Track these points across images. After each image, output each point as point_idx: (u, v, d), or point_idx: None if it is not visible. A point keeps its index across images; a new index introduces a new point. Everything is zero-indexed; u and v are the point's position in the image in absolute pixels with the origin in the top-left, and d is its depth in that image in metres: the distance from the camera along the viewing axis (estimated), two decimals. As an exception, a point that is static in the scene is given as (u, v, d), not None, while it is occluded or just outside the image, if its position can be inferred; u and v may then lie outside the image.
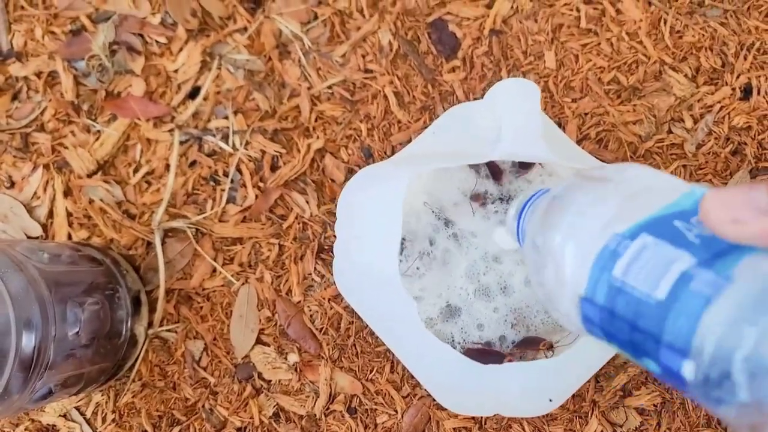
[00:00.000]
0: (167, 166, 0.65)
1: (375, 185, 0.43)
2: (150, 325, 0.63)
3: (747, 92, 0.62)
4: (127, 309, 0.61)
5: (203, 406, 0.63)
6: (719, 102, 0.62)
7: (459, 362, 0.39)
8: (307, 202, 0.64)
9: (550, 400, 0.40)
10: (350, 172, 0.64)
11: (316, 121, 0.65)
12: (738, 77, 0.62)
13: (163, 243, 0.64)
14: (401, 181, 0.40)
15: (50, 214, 0.66)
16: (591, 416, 0.60)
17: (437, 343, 0.39)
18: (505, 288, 0.53)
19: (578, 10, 0.64)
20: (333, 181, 0.64)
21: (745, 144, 0.62)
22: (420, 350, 0.40)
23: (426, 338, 0.39)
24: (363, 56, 0.66)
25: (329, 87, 0.66)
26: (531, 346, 0.51)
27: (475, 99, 0.64)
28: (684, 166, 0.62)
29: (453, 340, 0.50)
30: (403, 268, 0.54)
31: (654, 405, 0.60)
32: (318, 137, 0.65)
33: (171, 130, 0.66)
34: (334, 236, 0.64)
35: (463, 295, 0.52)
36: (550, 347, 0.49)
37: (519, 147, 0.40)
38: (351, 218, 0.43)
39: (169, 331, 0.64)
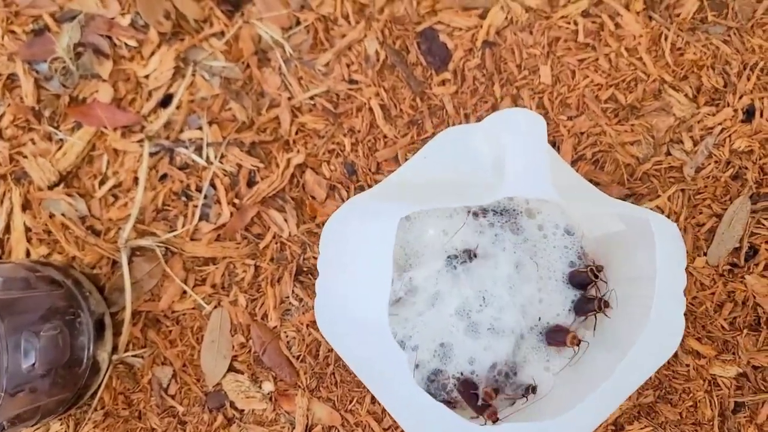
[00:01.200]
0: (136, 180, 0.61)
1: (363, 221, 0.39)
2: (114, 350, 0.59)
3: (749, 114, 0.60)
4: (90, 334, 0.56)
5: (171, 438, 0.59)
6: (720, 124, 0.60)
7: (453, 421, 0.36)
8: (286, 220, 0.60)
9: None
10: (332, 189, 0.61)
11: (296, 133, 0.61)
12: (740, 98, 0.60)
13: (130, 262, 0.60)
14: (392, 220, 0.36)
15: (7, 229, 0.61)
16: (581, 452, 0.57)
17: (429, 400, 0.36)
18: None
19: (576, 24, 0.61)
20: (314, 198, 0.61)
21: (746, 168, 0.59)
22: (410, 406, 0.36)
23: (417, 394, 0.36)
24: (348, 66, 0.62)
25: (311, 98, 0.62)
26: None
27: (465, 114, 0.61)
28: (682, 190, 0.59)
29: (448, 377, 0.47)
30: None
31: (647, 441, 0.58)
32: (298, 151, 0.61)
33: (140, 141, 0.61)
34: (314, 257, 0.60)
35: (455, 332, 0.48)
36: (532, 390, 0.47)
37: (524, 187, 0.37)
38: (335, 255, 0.40)
39: (135, 356, 0.60)
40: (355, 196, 0.42)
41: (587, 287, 0.51)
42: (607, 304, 0.47)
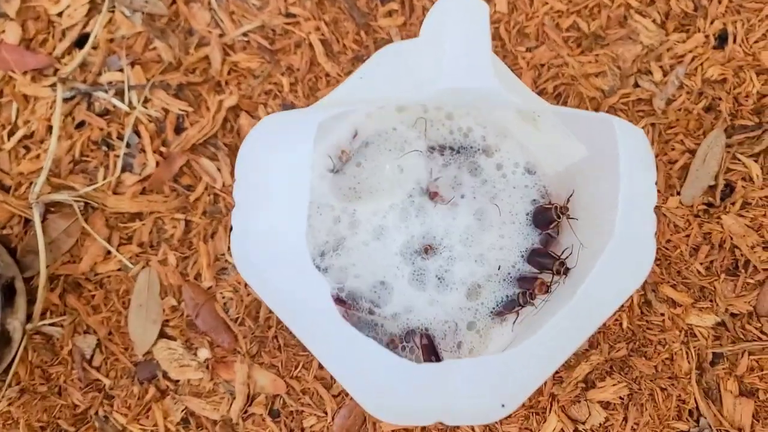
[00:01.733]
0: (49, 128, 0.54)
1: (279, 136, 0.33)
2: (29, 318, 0.53)
3: (722, 40, 0.55)
4: (-3, 300, 0.50)
5: (96, 413, 0.53)
6: (691, 51, 0.55)
7: (388, 360, 0.30)
8: (219, 169, 0.54)
9: (503, 406, 0.32)
10: (270, 135, 0.55)
11: (229, 74, 0.55)
12: (712, 23, 0.55)
13: (43, 220, 0.53)
14: (309, 127, 0.31)
15: None
16: (549, 412, 0.52)
17: (359, 337, 0.30)
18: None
19: (533, -54, 0.56)
20: (250, 144, 0.55)
21: (720, 99, 0.54)
22: (338, 346, 0.31)
23: (344, 331, 0.30)
24: (284, -2, 0.56)
25: (244, 34, 0.56)
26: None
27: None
28: (652, 124, 0.54)
29: (382, 327, 0.42)
30: (321, 242, 0.45)
31: (620, 398, 0.53)
32: (231, 93, 0.55)
33: (53, 85, 0.55)
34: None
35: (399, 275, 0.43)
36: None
37: (462, 75, 0.31)
38: (252, 178, 0.34)
39: (52, 325, 0.53)
40: (274, 113, 0.36)
41: (551, 225, 0.46)
42: (566, 270, 0.42)
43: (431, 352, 0.44)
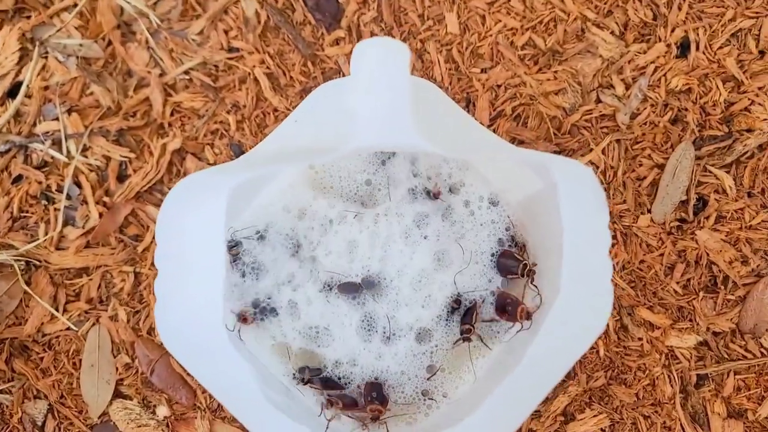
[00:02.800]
0: (-15, 185, 0.52)
1: (196, 199, 0.31)
2: (-26, 387, 0.50)
3: (684, 48, 0.53)
4: (-64, 372, 0.47)
5: (52, 483, 0.50)
6: (653, 62, 0.52)
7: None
8: (167, 216, 0.51)
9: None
10: (219, 176, 0.52)
11: (171, 115, 0.53)
12: (673, 31, 0.52)
13: (-16, 282, 0.51)
14: (220, 193, 0.28)
15: None
16: (528, 450, 0.50)
17: (287, 422, 0.28)
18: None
19: (481, -39, 0.53)
20: (198, 188, 0.52)
21: (686, 110, 0.52)
22: (269, 427, 0.28)
23: (273, 416, 0.28)
24: (225, 32, 0.53)
25: (186, 72, 0.53)
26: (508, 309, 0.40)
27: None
28: (618, 140, 0.52)
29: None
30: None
31: (601, 429, 0.50)
32: (175, 135, 0.52)
33: (-14, 139, 0.52)
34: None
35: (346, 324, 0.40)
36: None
37: (378, 132, 0.29)
38: (172, 245, 0.31)
39: (0, 392, 0.50)
40: (195, 173, 0.34)
41: (510, 275, 0.43)
42: (528, 316, 0.39)
43: (373, 390, 0.41)
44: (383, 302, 0.41)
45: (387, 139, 0.29)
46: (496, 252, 0.44)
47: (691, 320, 0.51)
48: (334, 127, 0.35)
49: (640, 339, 0.51)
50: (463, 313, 0.42)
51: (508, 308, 0.42)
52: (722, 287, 0.51)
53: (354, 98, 0.31)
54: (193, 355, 0.31)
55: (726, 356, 0.51)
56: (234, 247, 0.41)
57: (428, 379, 0.40)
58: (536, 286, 0.40)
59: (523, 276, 0.41)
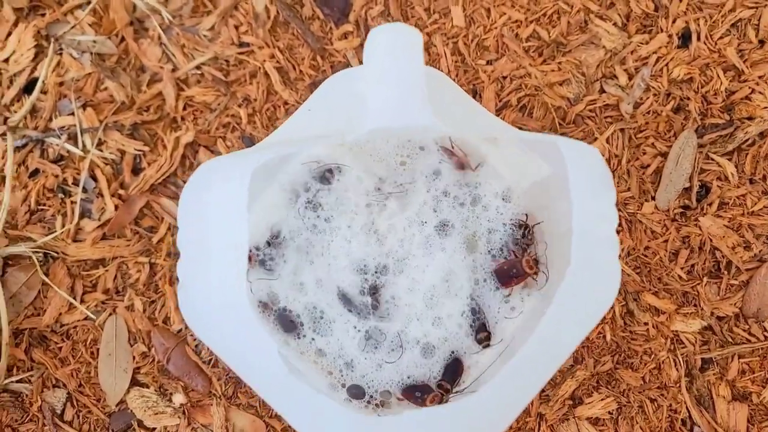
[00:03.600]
0: (2, 179, 0.53)
1: (217, 183, 0.32)
2: (-6, 377, 0.51)
3: (685, 38, 0.54)
4: (-42, 362, 0.48)
5: (71, 470, 0.51)
6: (655, 52, 0.53)
7: (345, 416, 0.29)
8: (181, 208, 0.53)
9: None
10: (231, 168, 0.53)
11: (184, 109, 0.54)
12: (674, 22, 0.54)
13: (2, 274, 0.52)
14: (243, 174, 0.29)
15: None
16: (537, 433, 0.51)
17: (311, 393, 0.29)
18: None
19: (486, -44, 0.54)
20: (211, 180, 0.53)
21: (688, 99, 0.53)
22: (293, 401, 0.29)
23: (297, 388, 0.29)
24: (236, 27, 0.55)
25: (198, 67, 0.54)
26: (417, 395, 0.40)
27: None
28: (622, 130, 0.53)
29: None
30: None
31: (609, 412, 0.51)
32: (188, 129, 0.53)
33: (3, 134, 0.53)
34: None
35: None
36: (446, 391, 0.39)
37: (393, 113, 0.30)
38: (193, 228, 0.32)
39: (20, 381, 0.52)
40: (216, 157, 0.35)
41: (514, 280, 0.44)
42: (536, 263, 0.40)
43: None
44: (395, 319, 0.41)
45: (402, 119, 0.30)
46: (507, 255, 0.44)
47: (695, 305, 0.52)
48: (346, 112, 0.36)
49: (645, 324, 0.52)
50: (477, 327, 0.43)
51: (513, 271, 0.42)
52: (725, 272, 0.52)
53: (367, 83, 0.32)
54: (215, 334, 0.32)
55: (730, 340, 0.52)
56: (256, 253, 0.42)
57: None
58: (538, 264, 0.41)
59: (524, 237, 0.42)
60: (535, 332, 0.30)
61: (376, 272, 0.42)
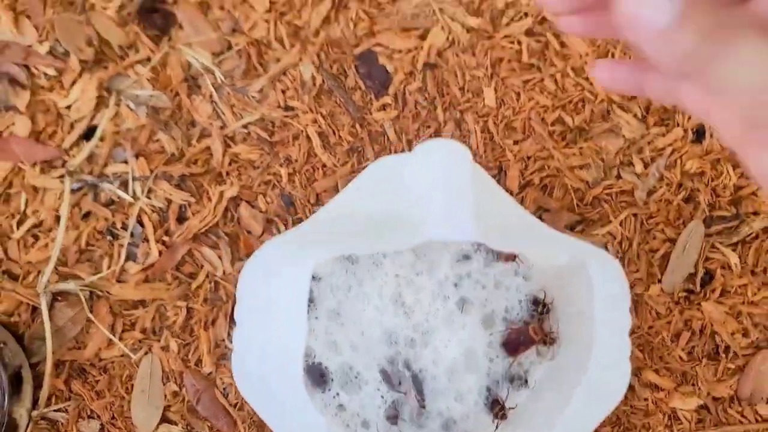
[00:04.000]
0: (57, 219, 0.57)
1: (279, 267, 0.35)
2: (35, 405, 0.54)
3: (699, 134, 0.58)
4: (4, 389, 0.52)
5: (99, 497, 0.54)
6: (671, 145, 0.58)
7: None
8: (220, 257, 0.57)
9: None
10: (269, 223, 0.57)
11: (229, 165, 0.58)
12: (689, 118, 0.58)
13: (51, 308, 0.55)
14: (306, 268, 0.33)
15: None
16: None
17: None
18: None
19: (519, 43, 0.58)
20: (249, 233, 0.57)
21: (698, 191, 0.57)
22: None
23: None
24: (283, 92, 0.59)
25: (245, 126, 0.58)
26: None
27: (408, 140, 0.58)
28: (635, 214, 0.57)
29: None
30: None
31: (606, 480, 0.55)
32: (232, 183, 0.57)
33: (61, 177, 0.57)
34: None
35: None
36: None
37: (444, 229, 0.34)
38: (253, 304, 0.36)
39: (58, 410, 0.55)
40: (274, 238, 0.39)
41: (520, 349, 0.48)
42: (541, 332, 0.44)
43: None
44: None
45: (450, 234, 0.34)
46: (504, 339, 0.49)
47: (693, 385, 0.56)
48: (393, 199, 0.40)
49: (645, 399, 0.55)
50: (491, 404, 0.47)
51: (521, 338, 0.47)
52: (724, 356, 0.56)
53: (416, 186, 0.36)
54: (267, 403, 0.35)
55: (724, 420, 0.55)
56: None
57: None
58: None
59: (541, 313, 0.46)
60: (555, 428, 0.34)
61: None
